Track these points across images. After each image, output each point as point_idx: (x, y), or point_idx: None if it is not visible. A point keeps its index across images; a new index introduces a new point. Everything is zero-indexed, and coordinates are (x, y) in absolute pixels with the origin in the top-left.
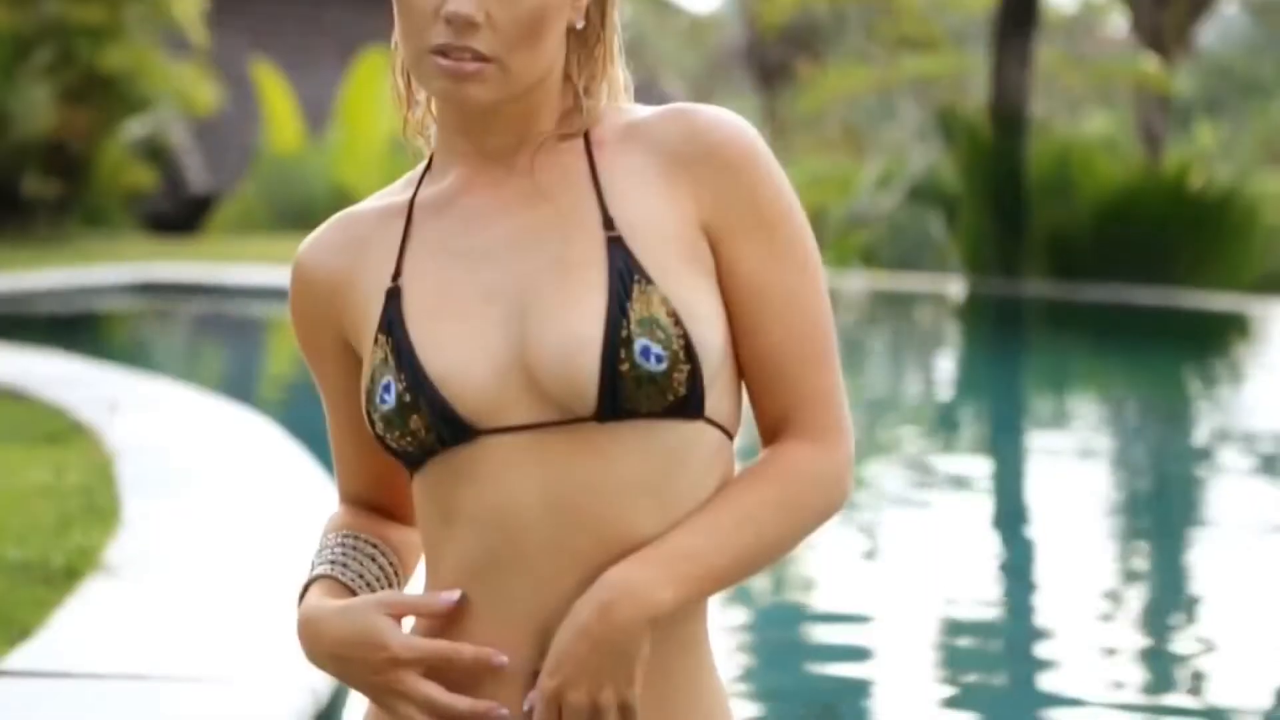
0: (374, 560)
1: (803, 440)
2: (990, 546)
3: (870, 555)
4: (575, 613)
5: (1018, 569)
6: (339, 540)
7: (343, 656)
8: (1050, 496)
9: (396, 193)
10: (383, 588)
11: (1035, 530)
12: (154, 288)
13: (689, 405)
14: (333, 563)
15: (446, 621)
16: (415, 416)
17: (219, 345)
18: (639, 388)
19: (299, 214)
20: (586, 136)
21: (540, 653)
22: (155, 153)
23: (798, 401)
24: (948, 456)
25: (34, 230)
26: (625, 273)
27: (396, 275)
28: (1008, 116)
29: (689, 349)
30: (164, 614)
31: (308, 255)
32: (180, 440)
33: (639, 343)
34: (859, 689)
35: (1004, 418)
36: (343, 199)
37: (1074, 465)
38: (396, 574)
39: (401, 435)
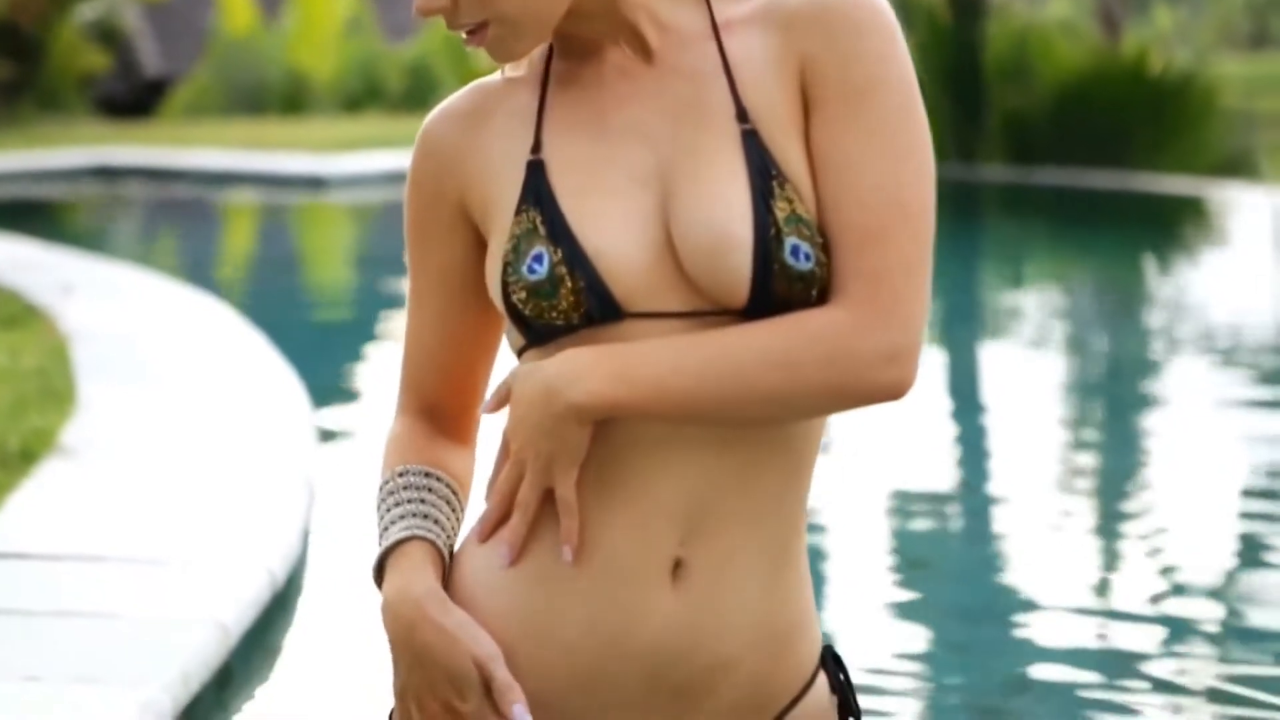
0: (449, 504)
1: (837, 308)
2: (945, 430)
3: (823, 442)
4: (531, 381)
5: (972, 452)
6: (423, 481)
7: (418, 664)
8: (1005, 379)
9: (516, 69)
10: (453, 538)
11: (990, 413)
12: (109, 171)
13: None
14: (425, 516)
15: (591, 508)
16: (566, 290)
17: (174, 229)
18: (789, 286)
19: (253, 98)
20: (713, 18)
21: (681, 538)
22: (108, 35)
23: (846, 276)
24: None
25: None
26: (764, 169)
27: (536, 148)
28: (965, 0)
29: (827, 243)
30: (121, 496)
31: (436, 123)
32: (136, 324)
33: (789, 242)
34: (814, 577)
35: (960, 301)
36: (297, 82)
37: (1030, 348)
38: (460, 517)
39: (549, 307)
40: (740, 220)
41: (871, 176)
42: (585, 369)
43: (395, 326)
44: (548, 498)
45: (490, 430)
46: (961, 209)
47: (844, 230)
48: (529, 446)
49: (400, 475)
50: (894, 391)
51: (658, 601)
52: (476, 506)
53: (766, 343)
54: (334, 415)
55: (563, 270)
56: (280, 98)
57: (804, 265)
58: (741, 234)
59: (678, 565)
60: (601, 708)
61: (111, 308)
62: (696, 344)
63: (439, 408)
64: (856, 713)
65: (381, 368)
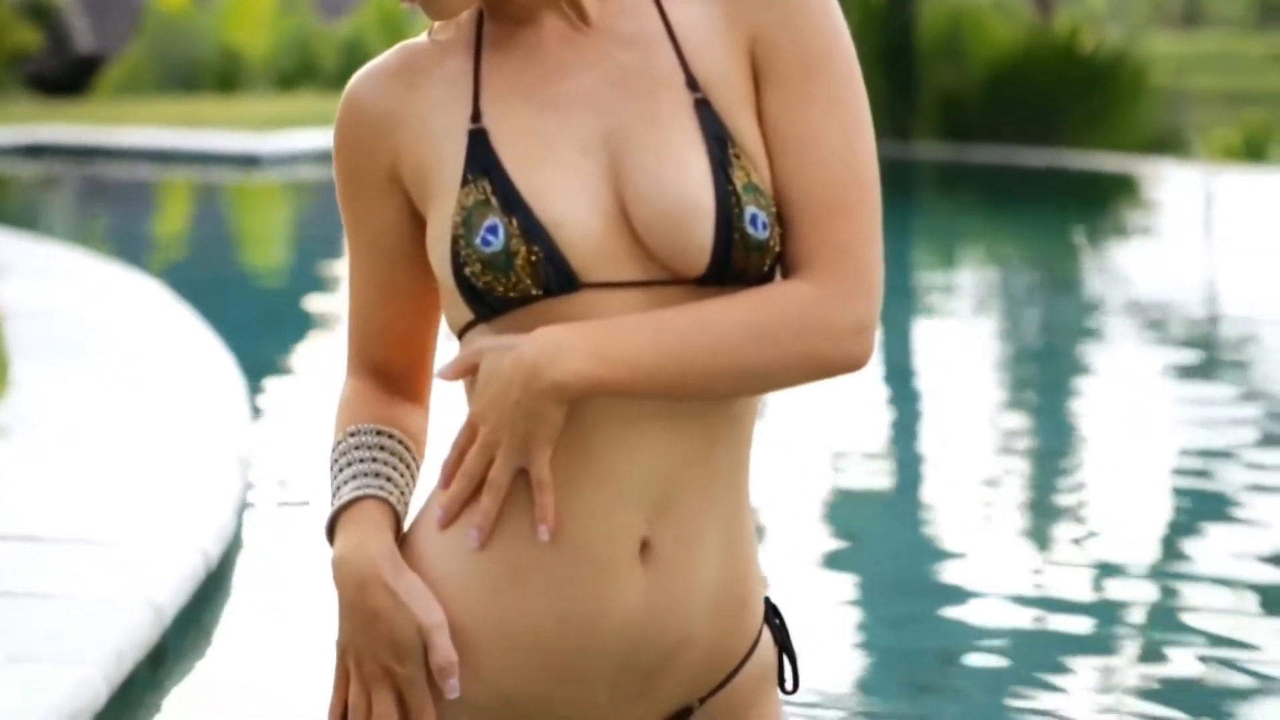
0: (403, 461)
1: (805, 281)
2: (879, 406)
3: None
4: (508, 359)
5: (906, 428)
6: (374, 440)
7: (363, 626)
8: (940, 355)
9: (444, 31)
10: (407, 495)
11: (924, 389)
12: (41, 150)
13: (781, 266)
14: (377, 475)
15: (559, 491)
16: (522, 261)
17: (107, 208)
18: (747, 255)
19: (186, 75)
20: None
21: (647, 519)
22: (39, 12)
23: (811, 250)
24: None
25: None
26: (719, 137)
27: (476, 116)
28: None
29: (781, 215)
30: (54, 476)
31: (364, 84)
32: (69, 303)
33: (748, 211)
34: None
35: (894, 278)
36: (231, 60)
37: (964, 324)
38: (415, 474)
39: (505, 280)
40: (701, 188)
41: (831, 150)
42: (565, 347)
43: (329, 305)
44: (513, 482)
45: (442, 390)
46: (895, 187)
47: (807, 203)
48: (504, 426)
49: (351, 435)
50: (859, 362)
51: (627, 587)
52: (432, 467)
53: (742, 316)
54: (268, 394)
55: (519, 242)
56: (214, 75)
57: (762, 234)
58: (703, 202)
59: (644, 548)
60: (571, 696)
61: (45, 287)
62: (672, 319)
63: (387, 367)
64: (792, 655)
65: (316, 346)
